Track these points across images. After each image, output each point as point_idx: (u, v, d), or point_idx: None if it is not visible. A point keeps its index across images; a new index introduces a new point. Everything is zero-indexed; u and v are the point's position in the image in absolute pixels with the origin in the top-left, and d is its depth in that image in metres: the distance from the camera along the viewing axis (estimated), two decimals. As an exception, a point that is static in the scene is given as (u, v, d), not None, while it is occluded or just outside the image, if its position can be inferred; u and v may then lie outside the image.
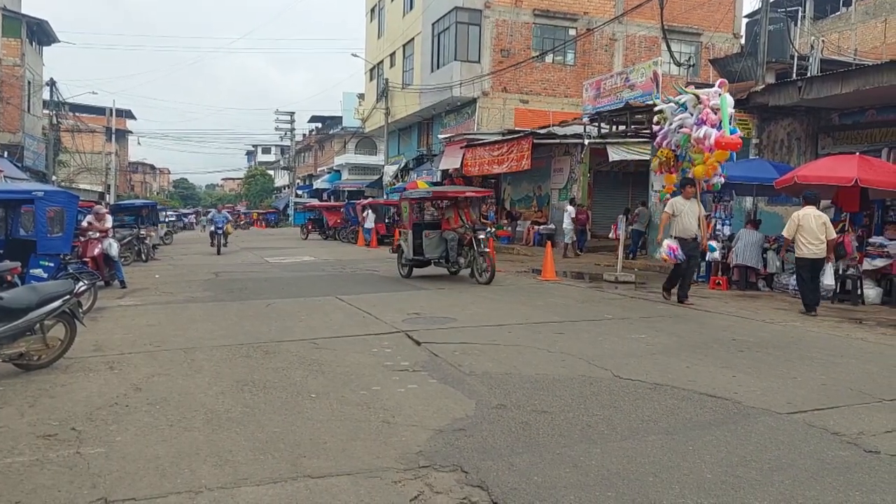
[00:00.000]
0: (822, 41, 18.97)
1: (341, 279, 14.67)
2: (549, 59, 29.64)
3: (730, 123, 10.78)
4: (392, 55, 37.56)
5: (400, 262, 14.99)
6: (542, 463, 3.94)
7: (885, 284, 11.29)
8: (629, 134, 19.69)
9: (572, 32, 29.69)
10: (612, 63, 29.48)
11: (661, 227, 11.19)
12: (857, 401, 5.25)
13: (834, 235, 10.41)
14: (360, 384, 5.68)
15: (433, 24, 31.15)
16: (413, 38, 33.90)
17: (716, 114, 10.69)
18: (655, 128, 12.05)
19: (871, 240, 11.75)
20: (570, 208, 20.32)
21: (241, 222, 60.49)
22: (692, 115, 11.05)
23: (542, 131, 23.41)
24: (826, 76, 13.36)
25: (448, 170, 28.93)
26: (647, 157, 19.80)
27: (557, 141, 22.92)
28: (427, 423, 4.65)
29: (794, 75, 15.37)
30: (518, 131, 24.77)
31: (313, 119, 69.14)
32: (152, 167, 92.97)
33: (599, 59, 29.88)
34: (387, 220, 28.72)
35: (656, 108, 12.09)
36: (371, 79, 41.88)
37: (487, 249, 13.88)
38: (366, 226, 27.96)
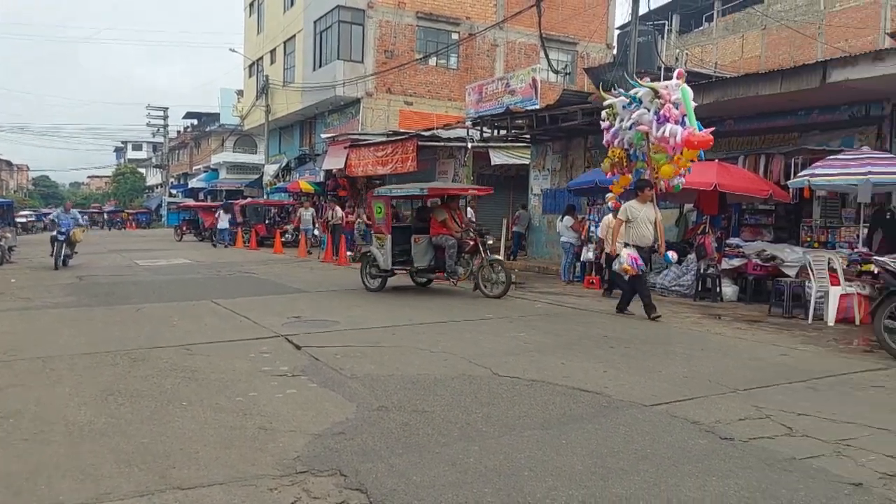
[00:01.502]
0: (687, 54, 20.19)
1: (218, 282, 14.18)
2: (432, 61, 29.93)
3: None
4: (273, 52, 36.74)
5: (366, 272, 12.65)
6: (421, 463, 3.97)
7: (741, 282, 12.14)
8: (510, 138, 20.20)
9: (455, 36, 30.12)
10: (493, 68, 30.13)
11: (614, 236, 10.07)
12: (714, 391, 5.62)
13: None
14: (236, 391, 5.51)
15: (315, 22, 30.72)
16: (294, 35, 33.31)
17: (678, 108, 9.57)
18: (604, 124, 10.82)
19: (728, 241, 12.58)
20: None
21: (115, 220, 57.31)
22: (649, 110, 9.82)
23: (427, 133, 23.57)
24: (690, 86, 14.21)
25: (332, 170, 28.62)
26: (528, 162, 20.40)
27: (442, 143, 23.14)
28: (306, 428, 4.58)
29: (661, 86, 16.17)
30: (403, 133, 24.83)
31: (189, 115, 66.47)
32: (8, 163, 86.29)
33: (482, 63, 30.47)
34: (267, 221, 28.08)
35: (605, 103, 10.84)
36: (250, 75, 40.80)
37: (499, 257, 12.80)
38: (219, 226, 27.32)
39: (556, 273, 15.54)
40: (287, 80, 34.29)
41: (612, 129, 10.56)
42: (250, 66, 40.45)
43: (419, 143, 22.66)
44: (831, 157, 10.69)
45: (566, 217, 14.97)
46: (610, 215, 12.86)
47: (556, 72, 24.24)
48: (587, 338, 8.04)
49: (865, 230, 11.02)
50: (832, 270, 9.77)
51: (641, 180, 10.16)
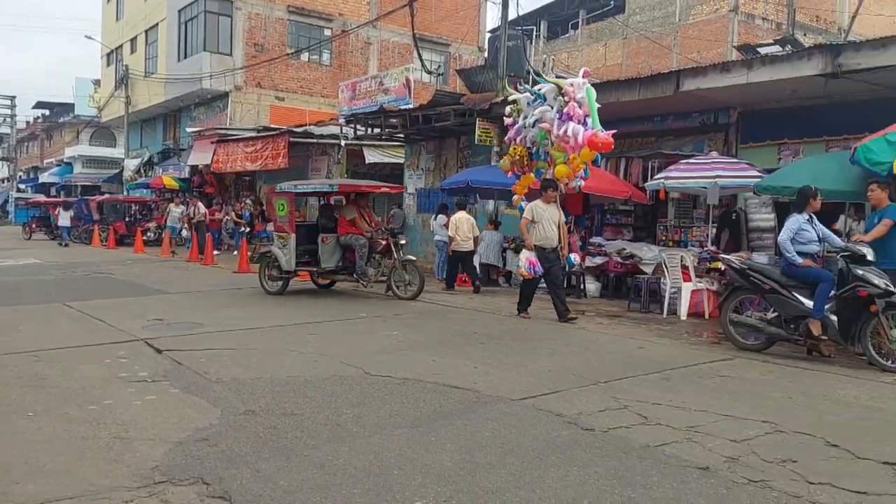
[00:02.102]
0: (553, 59, 20.93)
1: (71, 283, 13.26)
2: (304, 57, 29.39)
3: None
4: (133, 40, 34.80)
5: (266, 274, 11.93)
6: (289, 466, 3.89)
7: (603, 279, 12.75)
8: (384, 137, 20.18)
9: (328, 33, 29.73)
10: (367, 66, 29.99)
11: (524, 234, 9.75)
12: (577, 384, 5.86)
13: (477, 233, 13.05)
14: (90, 399, 5.17)
15: (179, 11, 29.39)
16: (157, 24, 31.71)
17: (581, 107, 9.31)
18: (508, 121, 10.57)
19: (591, 240, 13.17)
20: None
21: None
22: (552, 107, 9.61)
23: (299, 130, 23.14)
24: (556, 92, 14.74)
25: (198, 166, 27.52)
26: (402, 161, 20.45)
27: (314, 140, 22.79)
28: (166, 436, 4.37)
29: (530, 89, 16.70)
30: (274, 128, 24.24)
31: (39, 105, 61.73)
32: None
33: (355, 61, 30.25)
34: (127, 219, 26.61)
35: (510, 98, 10.56)
36: (109, 64, 38.44)
37: (412, 257, 12.17)
38: (60, 223, 26.03)
39: (430, 271, 15.68)
40: (149, 71, 32.60)
41: (516, 126, 10.33)
42: (108, 55, 38.11)
43: (291, 139, 22.21)
44: (684, 161, 11.42)
45: (439, 216, 15.15)
46: (458, 214, 13.21)
47: (430, 72, 24.45)
48: (459, 335, 8.17)
49: (714, 230, 11.86)
50: (684, 268, 10.44)
51: (546, 180, 9.93)
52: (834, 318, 7.04)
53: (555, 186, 9.75)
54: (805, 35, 22.44)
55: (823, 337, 7.11)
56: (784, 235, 7.36)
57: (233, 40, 28.09)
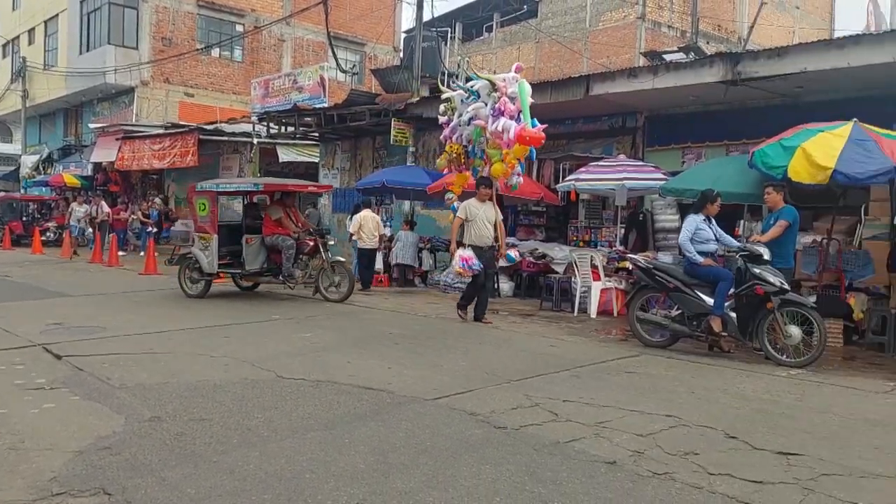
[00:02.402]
0: (468, 61, 21.12)
1: (-39, 287, 12.46)
2: (215, 52, 28.62)
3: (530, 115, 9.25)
4: (31, 31, 33.05)
5: (186, 276, 11.50)
6: (197, 473, 3.77)
7: (517, 279, 12.95)
8: (298, 136, 19.88)
9: (240, 28, 29.04)
10: (280, 63, 29.46)
11: (453, 235, 9.58)
12: (490, 383, 5.93)
13: (383, 231, 13.30)
14: (-20, 409, 4.88)
15: (81, 2, 28.11)
16: (57, 15, 30.20)
17: (514, 103, 9.14)
18: (442, 119, 10.32)
19: (505, 240, 13.33)
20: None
21: None
22: (486, 104, 9.42)
23: (210, 127, 22.52)
24: (471, 93, 14.88)
25: (101, 163, 26.37)
26: (317, 160, 20.20)
27: (226, 138, 22.23)
28: (65, 445, 4.16)
29: (445, 90, 16.81)
30: (183, 125, 23.50)
31: (-75, 96, 57.68)
32: None
33: (268, 58, 29.65)
34: (24, 218, 25.21)
35: (443, 96, 10.35)
36: (4, 55, 36.35)
37: (342, 259, 11.83)
38: None
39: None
40: (49, 63, 30.99)
41: (451, 124, 10.13)
42: (4, 46, 36.01)
43: (201, 137, 21.60)
44: (593, 163, 11.75)
45: (355, 216, 15.04)
46: (364, 212, 13.21)
47: (345, 71, 24.25)
48: (373, 336, 8.14)
49: (622, 230, 12.25)
50: (594, 267, 10.73)
51: (480, 178, 9.75)
52: (733, 314, 7.39)
53: (489, 184, 9.54)
54: (708, 43, 23.46)
55: (723, 333, 7.45)
56: (683, 236, 7.67)
57: (139, 33, 27.05)
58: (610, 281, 10.74)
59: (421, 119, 15.56)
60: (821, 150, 7.57)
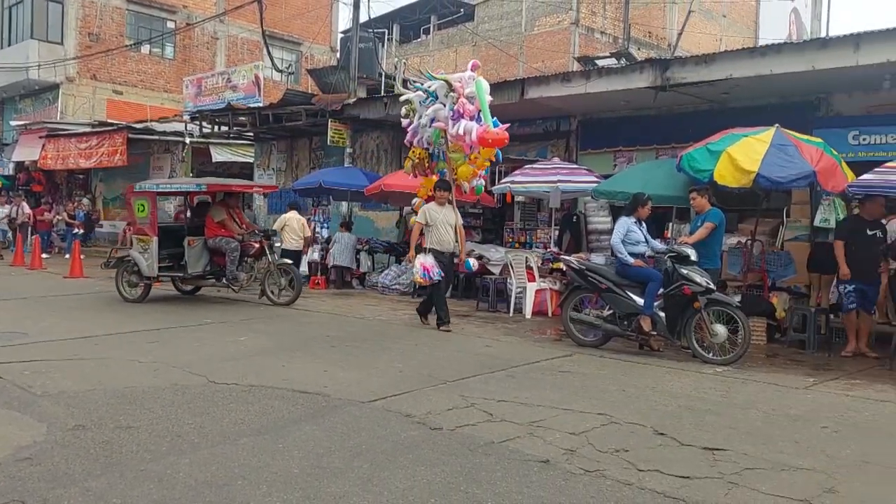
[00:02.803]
0: (405, 63, 21.12)
1: None
2: (145, 49, 27.82)
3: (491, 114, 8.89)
4: (-53, 23, 31.42)
5: (124, 280, 11.01)
6: (122, 483, 3.66)
7: (454, 280, 12.97)
8: (232, 135, 19.51)
9: (171, 25, 28.30)
10: (214, 61, 28.85)
11: (411, 241, 9.24)
12: (427, 384, 5.94)
13: (308, 234, 13.06)
14: None
15: (3, -6, 26.92)
16: (-25, 7, 28.83)
17: (473, 103, 8.84)
18: (404, 122, 9.92)
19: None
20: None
21: None
22: (445, 105, 9.08)
23: (139, 126, 21.89)
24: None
25: (24, 162, 25.32)
26: (252, 160, 19.86)
27: (156, 137, 21.65)
28: (-19, 458, 3.98)
29: (382, 92, 16.81)
30: (111, 124, 22.76)
31: None
32: None
33: (201, 56, 29.00)
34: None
35: (402, 98, 10.01)
36: (-84, 48, 34.46)
37: (289, 261, 11.54)
38: None
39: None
40: (-35, 57, 29.57)
41: (412, 127, 9.74)
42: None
43: (130, 135, 20.98)
44: (528, 166, 11.91)
45: (281, 216, 14.88)
46: (289, 213, 13.09)
47: (280, 70, 23.92)
48: (310, 339, 8.05)
49: (556, 232, 12.44)
50: (529, 268, 10.87)
51: (439, 181, 9.42)
52: (662, 314, 7.60)
53: (446, 187, 9.21)
54: (639, 49, 24.07)
55: (653, 332, 7.65)
56: (615, 238, 7.86)
57: (64, 28, 26.06)
58: (544, 282, 10.89)
59: (358, 120, 15.49)
60: (745, 154, 7.87)
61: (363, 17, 17.30)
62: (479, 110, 8.80)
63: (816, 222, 9.49)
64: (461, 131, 8.80)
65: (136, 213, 10.97)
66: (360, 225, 15.52)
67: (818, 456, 4.38)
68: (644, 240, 7.92)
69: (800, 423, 5.18)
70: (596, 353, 7.70)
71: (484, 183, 9.65)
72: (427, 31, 33.12)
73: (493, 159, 9.46)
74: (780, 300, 8.78)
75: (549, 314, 10.60)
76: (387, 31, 26.33)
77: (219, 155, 21.04)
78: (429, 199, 9.55)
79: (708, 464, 4.20)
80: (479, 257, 12.43)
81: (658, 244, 8.05)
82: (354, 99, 15.52)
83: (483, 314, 10.76)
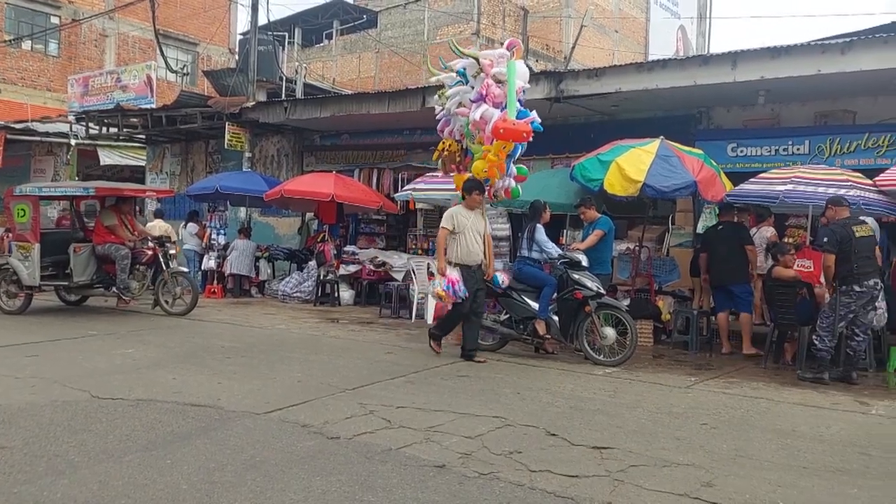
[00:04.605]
0: (305, 67, 20.87)
1: None
2: (27, 45, 26.28)
3: (520, 103, 7.66)
4: None
5: (2, 289, 10.41)
6: (-7, 508, 3.45)
7: (357, 287, 12.95)
8: (122, 137, 18.69)
9: (55, 20, 26.85)
10: (103, 60, 27.58)
11: (439, 250, 7.56)
12: (326, 393, 5.89)
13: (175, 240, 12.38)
14: None
15: None
16: None
17: (500, 87, 7.47)
18: (439, 111, 8.47)
19: (346, 248, 13.33)
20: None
21: None
22: (474, 87, 7.67)
23: (19, 126, 20.63)
24: (308, 100, 14.78)
25: None
26: (143, 163, 19.09)
27: (38, 138, 20.48)
28: None
29: (283, 96, 16.56)
30: (-13, 123, 21.37)
31: None
32: None
33: (89, 53, 27.65)
34: None
35: (433, 80, 8.64)
36: None
37: (185, 269, 10.97)
38: None
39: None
40: None
41: (443, 114, 8.32)
42: None
43: (8, 136, 19.75)
44: (430, 173, 11.99)
45: (190, 224, 14.42)
46: (154, 221, 12.69)
47: (174, 71, 23.11)
48: (204, 349, 7.81)
49: (458, 239, 12.56)
50: (431, 274, 10.94)
51: (471, 181, 7.76)
52: (556, 318, 7.84)
53: (481, 188, 7.67)
54: (537, 61, 24.71)
55: (547, 336, 7.88)
56: (546, 240, 7.98)
57: (-66, 20, 24.31)
58: (446, 288, 10.97)
59: (258, 124, 15.18)
60: (632, 164, 8.23)
61: (263, 20, 16.98)
62: (507, 96, 7.41)
63: (699, 229, 10.05)
64: (478, 117, 7.41)
65: (16, 219, 10.28)
66: (259, 231, 15.20)
67: (697, 452, 4.64)
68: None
69: (681, 420, 5.45)
70: (493, 356, 7.84)
71: (512, 183, 8.05)
72: (330, 36, 32.84)
73: (504, 157, 7.65)
74: (666, 303, 9.22)
75: (450, 320, 10.68)
76: (287, 35, 25.92)
77: (107, 157, 20.10)
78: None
79: (596, 462, 4.36)
80: (383, 264, 12.45)
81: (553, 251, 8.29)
82: (253, 102, 15.20)
83: (386, 321, 10.76)
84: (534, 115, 7.64)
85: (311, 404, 5.53)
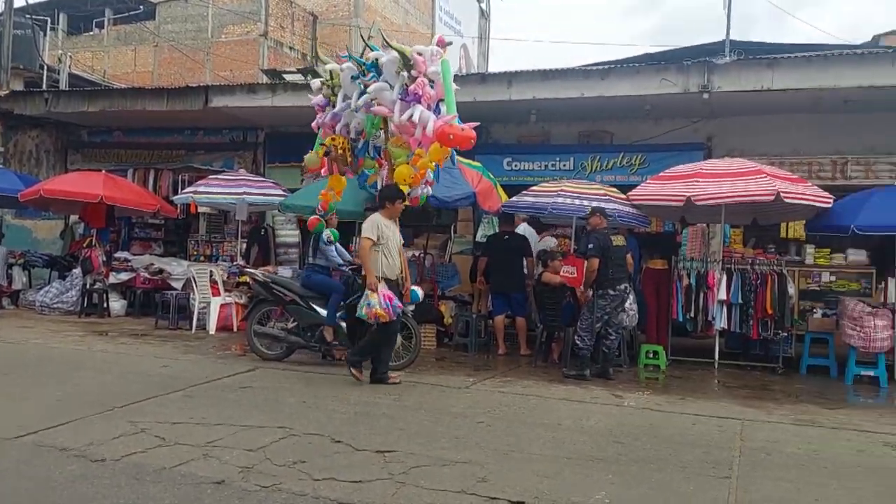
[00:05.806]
0: (71, 56, 19.09)
1: None
2: None
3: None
4: None
5: None
6: None
7: (130, 296, 12.05)
8: None
9: None
10: None
11: (366, 264, 6.80)
12: (91, 412, 5.42)
13: None
14: None
15: None
16: None
17: (434, 87, 6.73)
18: (315, 99, 7.73)
19: (117, 255, 12.35)
20: None
21: None
22: (392, 86, 6.90)
23: None
24: (73, 92, 13.59)
25: None
26: None
27: None
28: None
29: (45, 86, 15.06)
30: None
31: None
32: None
33: None
34: None
35: (325, 68, 7.71)
36: None
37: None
38: None
39: None
40: None
41: (333, 110, 7.53)
42: None
43: None
44: (213, 176, 11.55)
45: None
46: None
47: None
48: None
49: (244, 245, 12.20)
50: (214, 282, 10.51)
51: (389, 187, 7.15)
52: (344, 324, 7.86)
53: (403, 196, 7.06)
54: (315, 66, 24.62)
55: (335, 342, 7.88)
56: (325, 247, 7.96)
57: None
58: (230, 296, 10.59)
59: (13, 116, 13.65)
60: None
61: (20, 1, 15.30)
62: (441, 98, 6.79)
63: (478, 237, 10.63)
64: (414, 119, 6.69)
65: None
66: (13, 235, 13.63)
67: (474, 449, 4.89)
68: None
69: (460, 419, 5.72)
70: (280, 366, 7.70)
71: (430, 191, 7.54)
72: (101, 25, 30.28)
73: (441, 164, 7.16)
74: (448, 308, 9.63)
75: (235, 329, 10.33)
76: (50, 20, 23.52)
77: None
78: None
79: (379, 466, 4.45)
80: (160, 271, 11.70)
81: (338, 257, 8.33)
82: (7, 92, 13.64)
83: (163, 332, 10.11)
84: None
85: (73, 425, 5.07)
